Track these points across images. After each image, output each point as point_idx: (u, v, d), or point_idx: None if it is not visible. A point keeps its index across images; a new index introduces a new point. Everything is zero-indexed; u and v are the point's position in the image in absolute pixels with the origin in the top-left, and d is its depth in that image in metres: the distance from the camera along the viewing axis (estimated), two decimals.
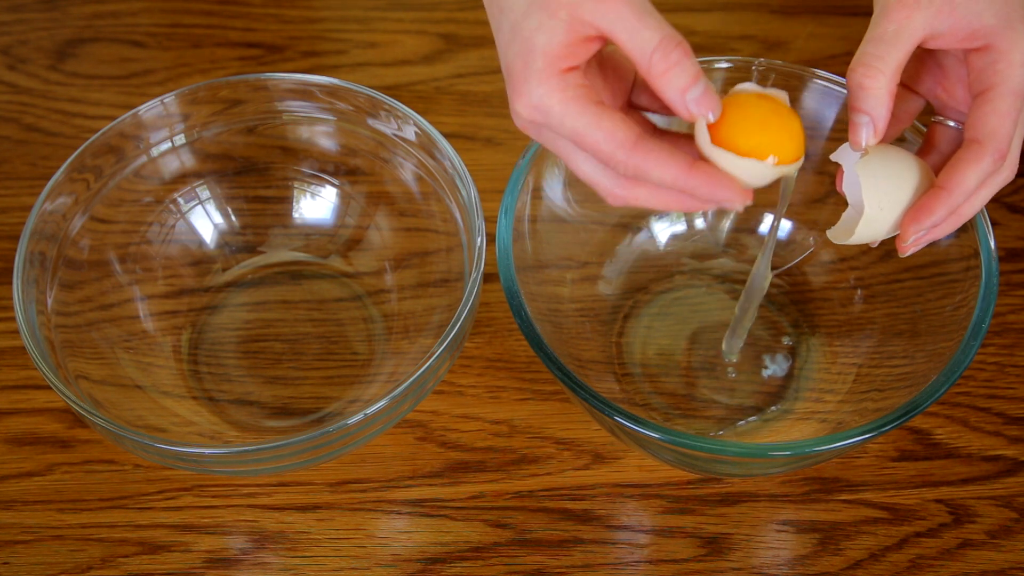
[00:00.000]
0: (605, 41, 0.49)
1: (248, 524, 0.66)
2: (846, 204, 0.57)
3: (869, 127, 0.51)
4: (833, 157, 0.56)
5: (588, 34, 0.48)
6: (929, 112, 0.58)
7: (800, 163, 0.52)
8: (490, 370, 0.71)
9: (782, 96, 0.52)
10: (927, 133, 0.58)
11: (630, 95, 0.53)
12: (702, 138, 0.50)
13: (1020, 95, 0.52)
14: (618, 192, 0.50)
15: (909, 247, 0.54)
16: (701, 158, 0.50)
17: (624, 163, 0.48)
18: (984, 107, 0.52)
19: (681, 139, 0.53)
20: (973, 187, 0.52)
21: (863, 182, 0.53)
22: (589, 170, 0.51)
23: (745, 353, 0.70)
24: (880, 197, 0.53)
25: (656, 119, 0.55)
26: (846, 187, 0.56)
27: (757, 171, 0.50)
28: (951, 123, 0.57)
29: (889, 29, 0.51)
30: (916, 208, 0.53)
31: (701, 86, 0.48)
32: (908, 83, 0.57)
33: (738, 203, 0.50)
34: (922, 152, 0.57)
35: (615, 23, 0.47)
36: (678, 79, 0.48)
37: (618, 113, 0.48)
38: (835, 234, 0.56)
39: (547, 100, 0.48)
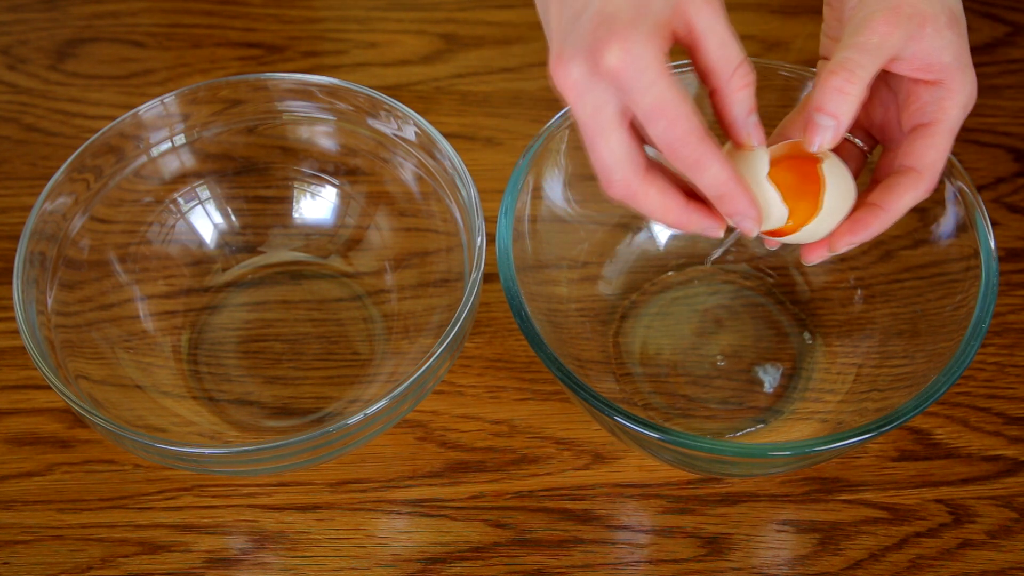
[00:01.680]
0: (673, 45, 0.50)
1: (248, 524, 0.66)
2: None
3: (832, 131, 0.53)
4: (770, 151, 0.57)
5: (679, 30, 0.49)
6: None
7: None
8: (490, 370, 0.71)
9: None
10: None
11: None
12: (757, 164, 0.53)
13: (954, 133, 0.54)
14: (634, 185, 0.51)
15: (821, 258, 0.56)
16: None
17: (692, 149, 0.49)
18: (927, 139, 0.54)
19: (671, 175, 0.55)
20: (905, 210, 0.54)
21: (828, 182, 0.54)
22: (615, 151, 0.51)
23: (745, 353, 0.71)
24: (834, 202, 0.54)
25: (649, 151, 0.56)
26: None
27: (779, 217, 0.54)
28: (857, 141, 0.59)
29: (872, 40, 0.52)
30: (853, 221, 0.55)
31: (757, 115, 0.52)
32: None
33: (754, 230, 0.53)
34: None
35: (712, 27, 0.49)
36: (749, 99, 0.51)
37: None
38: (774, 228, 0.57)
39: (645, 60, 0.48)
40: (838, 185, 0.54)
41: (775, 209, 0.54)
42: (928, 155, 0.54)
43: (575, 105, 0.50)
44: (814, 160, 0.55)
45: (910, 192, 0.54)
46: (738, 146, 0.54)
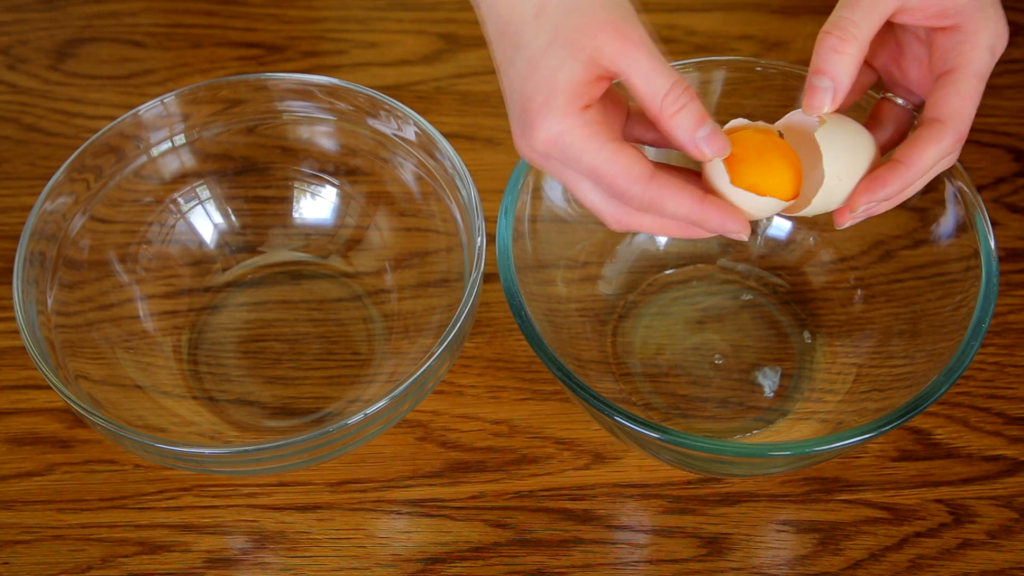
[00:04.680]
0: (612, 79, 0.51)
1: (248, 524, 0.66)
2: None
3: (829, 93, 0.52)
4: (777, 124, 0.56)
5: (603, 74, 0.50)
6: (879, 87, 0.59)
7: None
8: (490, 370, 0.71)
9: (773, 130, 0.54)
10: (874, 108, 0.58)
11: (624, 128, 0.55)
12: (719, 177, 0.53)
13: (982, 78, 0.52)
14: (624, 220, 0.53)
15: (848, 220, 0.54)
16: (708, 191, 0.53)
17: (640, 196, 0.50)
18: (948, 87, 0.52)
19: (676, 171, 0.55)
20: (931, 165, 0.53)
21: (824, 151, 0.53)
22: (595, 199, 0.52)
23: (745, 353, 0.71)
24: (839, 167, 0.53)
25: (649, 151, 0.57)
26: None
27: (771, 207, 0.53)
28: (900, 101, 0.57)
29: None
30: (871, 179, 0.53)
31: (709, 126, 0.50)
32: (864, 56, 0.57)
33: (744, 235, 0.52)
34: (866, 126, 0.58)
35: (632, 67, 0.49)
36: (687, 120, 0.50)
37: (633, 148, 0.50)
38: (788, 208, 0.57)
39: (568, 136, 0.49)
40: (845, 147, 0.53)
41: (760, 204, 0.53)
42: (950, 103, 0.52)
43: (543, 169, 0.52)
44: (808, 131, 0.54)
45: (932, 144, 0.52)
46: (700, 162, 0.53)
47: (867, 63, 0.58)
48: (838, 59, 0.51)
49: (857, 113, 0.58)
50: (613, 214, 0.53)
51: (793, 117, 0.56)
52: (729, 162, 0.52)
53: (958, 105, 0.52)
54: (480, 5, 0.53)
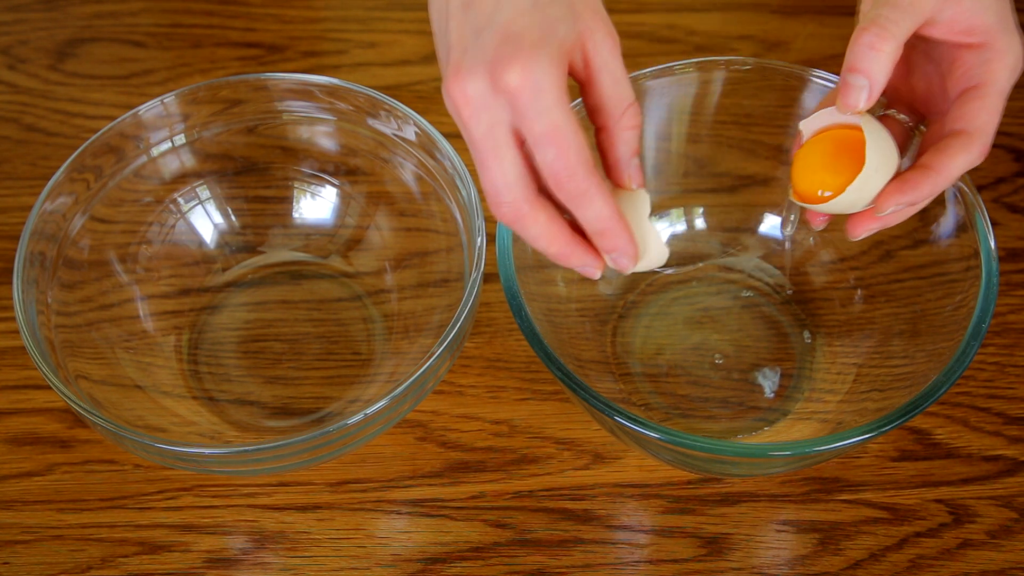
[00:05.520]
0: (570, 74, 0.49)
1: (248, 524, 0.66)
2: None
3: (865, 91, 0.52)
4: (803, 124, 0.57)
5: (575, 62, 0.49)
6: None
7: None
8: (490, 370, 0.71)
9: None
10: None
11: None
12: (638, 205, 0.52)
13: (1005, 95, 0.53)
14: (523, 209, 0.49)
15: (864, 230, 0.55)
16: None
17: (579, 181, 0.48)
18: (976, 102, 0.53)
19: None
20: (958, 174, 0.53)
21: (868, 139, 0.53)
22: (507, 172, 0.49)
23: (745, 353, 0.71)
24: (878, 159, 0.53)
25: None
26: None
27: (657, 258, 0.54)
28: (901, 117, 0.58)
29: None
30: (902, 180, 0.53)
31: (640, 159, 0.51)
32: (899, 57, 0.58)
33: (629, 267, 0.52)
34: None
35: (609, 63, 0.49)
36: (634, 141, 0.50)
37: None
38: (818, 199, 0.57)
39: (547, 83, 0.47)
40: (879, 145, 0.53)
41: (653, 249, 0.53)
42: (979, 117, 0.53)
43: (469, 121, 0.48)
44: (852, 125, 0.54)
45: (962, 154, 0.53)
46: (619, 186, 0.52)
47: None
48: (875, 56, 0.51)
49: None
50: (516, 199, 0.49)
51: (821, 116, 0.56)
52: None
53: (986, 119, 0.53)
54: None
